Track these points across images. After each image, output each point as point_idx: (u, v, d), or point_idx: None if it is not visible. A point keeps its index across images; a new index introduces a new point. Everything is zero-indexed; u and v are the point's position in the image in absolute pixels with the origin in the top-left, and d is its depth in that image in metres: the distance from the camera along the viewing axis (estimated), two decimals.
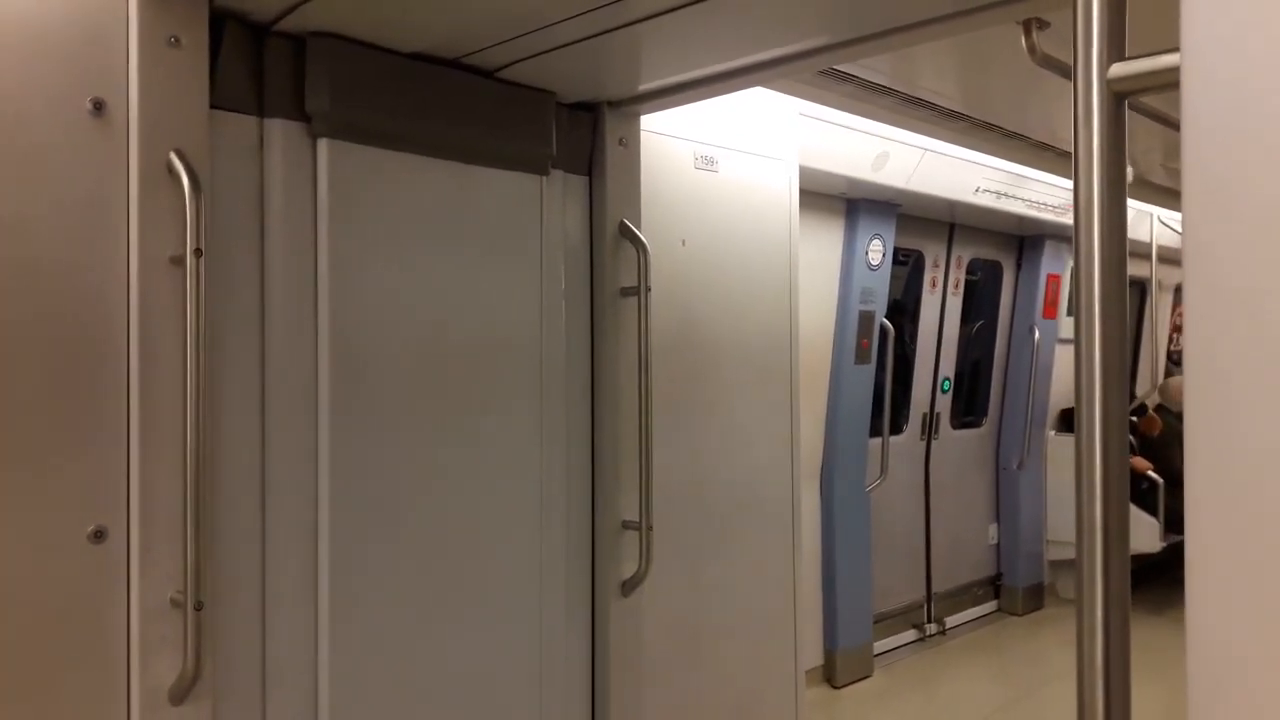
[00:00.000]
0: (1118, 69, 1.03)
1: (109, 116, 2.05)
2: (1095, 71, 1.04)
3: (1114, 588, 1.01)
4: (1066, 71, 2.85)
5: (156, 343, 2.08)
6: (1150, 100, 3.49)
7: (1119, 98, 1.04)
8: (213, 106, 2.21)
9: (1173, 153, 4.58)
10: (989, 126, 4.05)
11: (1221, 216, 0.83)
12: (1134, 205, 6.04)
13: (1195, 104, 0.85)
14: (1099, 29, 1.03)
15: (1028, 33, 2.67)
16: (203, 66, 2.17)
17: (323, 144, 2.37)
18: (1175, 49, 0.89)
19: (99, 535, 2.04)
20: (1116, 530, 1.02)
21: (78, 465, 2.02)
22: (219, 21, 2.22)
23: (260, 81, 2.32)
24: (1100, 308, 1.03)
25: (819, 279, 5.14)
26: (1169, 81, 0.94)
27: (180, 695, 2.09)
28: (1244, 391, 0.82)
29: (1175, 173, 5.07)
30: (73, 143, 2.01)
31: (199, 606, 2.05)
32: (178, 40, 2.12)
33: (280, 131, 2.34)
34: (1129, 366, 8.80)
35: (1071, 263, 7.00)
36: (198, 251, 2.05)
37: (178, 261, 2.09)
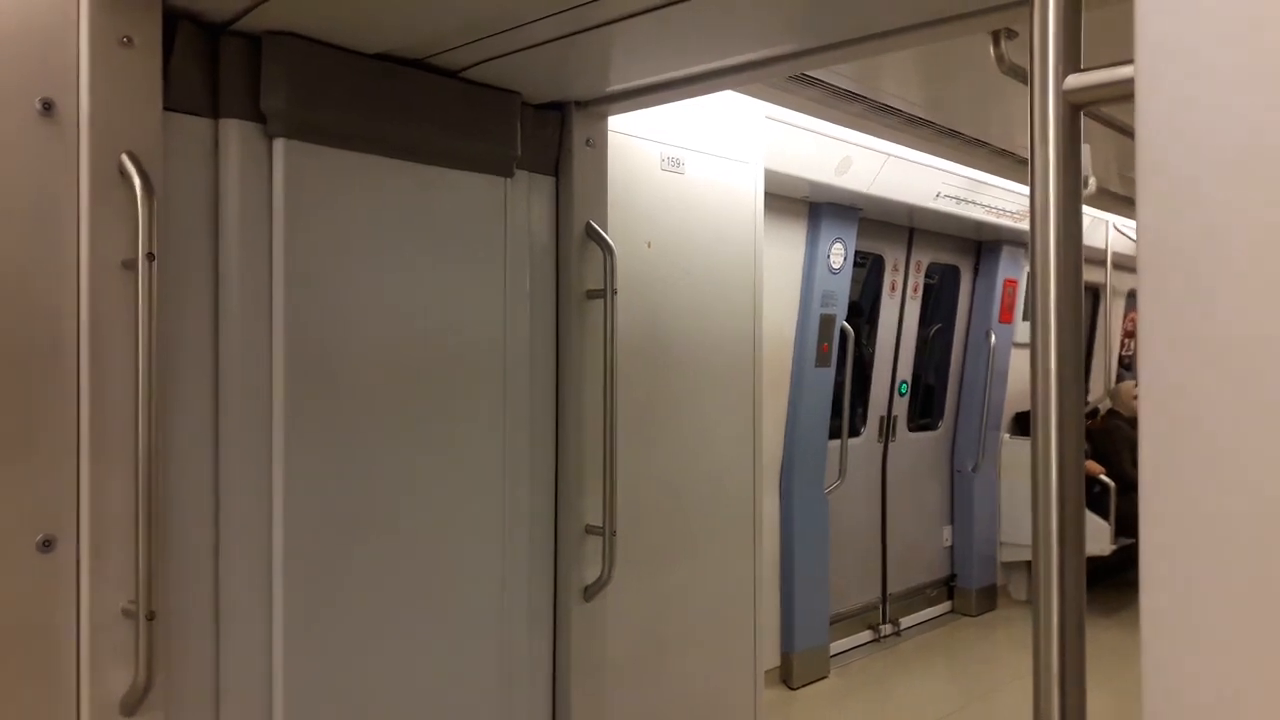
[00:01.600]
0: (1074, 80, 1.03)
1: (58, 117, 2.00)
2: (1052, 83, 1.04)
3: (1070, 592, 1.02)
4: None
5: (107, 348, 2.03)
6: (1111, 110, 3.53)
7: (1075, 109, 1.04)
8: (166, 108, 2.16)
9: (1129, 162, 4.65)
10: (952, 133, 4.08)
11: (1175, 224, 0.84)
12: (1089, 212, 6.12)
13: (1149, 115, 0.86)
14: (1055, 41, 1.04)
15: (996, 42, 2.68)
16: (155, 67, 2.12)
17: (278, 144, 2.32)
18: (1130, 61, 0.89)
19: (47, 544, 1.98)
20: (1072, 535, 1.03)
21: (25, 472, 1.96)
22: (172, 21, 2.17)
23: (215, 82, 2.26)
24: (1056, 314, 1.03)
25: (780, 281, 5.15)
26: (1124, 93, 0.94)
27: (132, 706, 2.04)
28: (1197, 395, 0.83)
29: (1131, 181, 5.15)
30: (21, 144, 1.95)
31: (151, 616, 2.00)
32: (130, 40, 2.07)
33: (236, 132, 2.28)
34: (1085, 369, 8.94)
35: (1028, 268, 7.09)
36: (150, 255, 2.00)
37: (129, 266, 2.04)
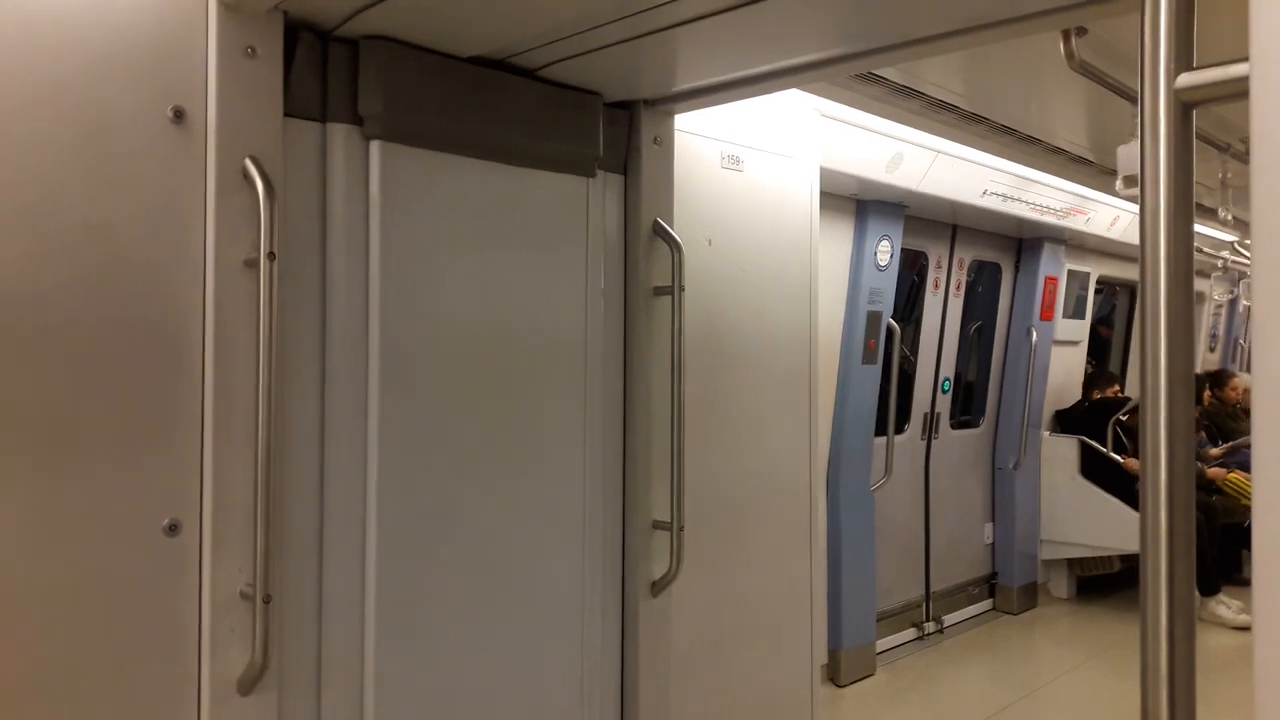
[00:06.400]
0: (1186, 79, 1.02)
1: (188, 125, 2.09)
2: (1163, 81, 1.02)
3: (1179, 594, 1.00)
4: (1102, 78, 2.88)
5: (230, 343, 2.11)
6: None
7: (1187, 108, 1.03)
8: (285, 114, 2.24)
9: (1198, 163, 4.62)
10: (1007, 130, 4.08)
11: None
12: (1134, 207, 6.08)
13: (1265, 114, 0.85)
14: (1166, 39, 1.02)
15: (1066, 39, 2.70)
16: (277, 76, 2.21)
17: (374, 145, 2.38)
18: (1244, 59, 0.89)
19: (173, 528, 2.07)
20: (1182, 535, 1.01)
21: (154, 460, 2.05)
22: (292, 31, 2.25)
23: (324, 87, 2.34)
24: (1166, 319, 1.01)
25: (827, 278, 5.15)
26: (1238, 91, 0.94)
27: (248, 686, 2.12)
28: None
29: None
30: (154, 150, 2.05)
31: (267, 599, 2.08)
32: (254, 50, 2.15)
33: (340, 136, 2.36)
34: (1121, 366, 8.75)
35: (1068, 266, 7.07)
36: (271, 255, 2.09)
37: (251, 265, 2.13)
